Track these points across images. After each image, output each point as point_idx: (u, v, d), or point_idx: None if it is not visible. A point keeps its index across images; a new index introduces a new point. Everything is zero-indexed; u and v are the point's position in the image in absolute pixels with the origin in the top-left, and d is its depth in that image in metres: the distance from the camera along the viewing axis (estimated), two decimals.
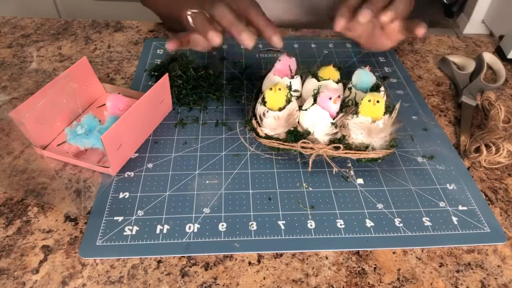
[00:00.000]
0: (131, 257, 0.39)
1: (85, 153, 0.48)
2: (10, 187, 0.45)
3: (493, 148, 0.49)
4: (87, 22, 0.75)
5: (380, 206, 0.44)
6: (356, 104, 0.46)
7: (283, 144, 0.48)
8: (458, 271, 0.39)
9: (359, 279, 0.38)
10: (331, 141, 0.47)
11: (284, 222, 0.42)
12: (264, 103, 0.48)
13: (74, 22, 0.75)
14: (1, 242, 0.40)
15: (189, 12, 0.52)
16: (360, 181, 0.47)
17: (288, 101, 0.47)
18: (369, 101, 0.45)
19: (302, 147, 0.47)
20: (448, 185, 0.47)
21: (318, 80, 0.51)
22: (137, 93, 0.55)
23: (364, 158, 0.47)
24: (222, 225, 0.42)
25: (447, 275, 0.39)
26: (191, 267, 0.39)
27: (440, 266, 0.40)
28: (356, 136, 0.46)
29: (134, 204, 0.43)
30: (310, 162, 0.47)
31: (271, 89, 0.47)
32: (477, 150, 0.50)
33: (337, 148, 0.46)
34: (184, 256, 0.39)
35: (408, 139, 0.53)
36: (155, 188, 0.45)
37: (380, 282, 0.38)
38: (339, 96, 0.46)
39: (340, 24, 0.49)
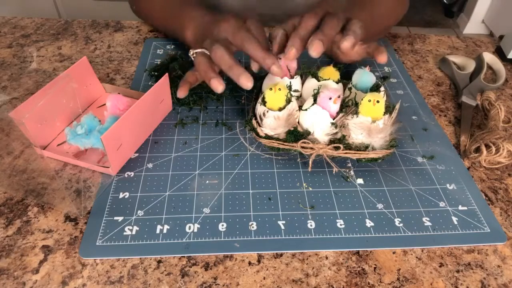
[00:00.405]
0: (131, 257, 0.39)
1: (85, 153, 0.48)
2: (10, 187, 0.45)
3: (493, 148, 0.49)
4: (87, 22, 0.75)
5: (380, 206, 0.44)
6: (356, 104, 0.46)
7: (283, 144, 0.48)
8: (458, 271, 0.39)
9: (359, 279, 0.38)
10: (331, 141, 0.47)
11: (284, 222, 0.42)
12: (264, 103, 0.48)
13: (74, 22, 0.75)
14: (1, 242, 0.40)
15: (191, 53, 0.52)
16: (360, 181, 0.47)
17: (288, 101, 0.47)
18: (369, 101, 0.45)
19: (302, 147, 0.46)
20: (448, 185, 0.47)
21: (318, 80, 0.51)
22: (137, 93, 0.55)
23: (364, 158, 0.47)
24: (222, 225, 0.42)
25: (447, 275, 0.39)
26: (191, 267, 0.39)
27: (440, 266, 0.40)
28: (356, 136, 0.46)
29: (134, 204, 0.43)
30: (310, 162, 0.47)
31: (271, 89, 0.47)
32: (477, 150, 0.50)
33: (337, 148, 0.46)
34: (184, 256, 0.39)
35: (408, 139, 0.53)
36: (155, 188, 0.45)
37: (380, 282, 0.38)
38: (339, 96, 0.46)
39: (291, 55, 0.46)
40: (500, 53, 0.70)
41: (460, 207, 0.45)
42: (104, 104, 0.53)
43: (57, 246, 0.40)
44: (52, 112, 0.48)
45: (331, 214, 0.43)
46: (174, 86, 0.55)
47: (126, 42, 0.70)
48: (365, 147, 0.46)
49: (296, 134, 0.47)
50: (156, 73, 0.61)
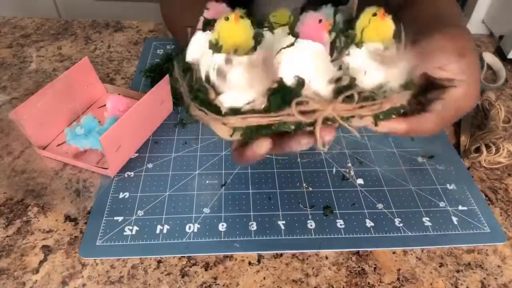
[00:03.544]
0: (131, 257, 0.39)
1: (85, 154, 0.48)
2: (10, 187, 0.45)
3: (493, 148, 0.49)
4: (87, 22, 0.75)
5: (380, 206, 0.44)
6: (348, 30, 0.30)
7: (268, 117, 0.27)
8: (458, 271, 0.39)
9: (359, 279, 0.38)
10: (337, 92, 0.28)
11: (284, 222, 0.42)
12: (217, 46, 0.27)
13: (74, 22, 0.75)
14: (1, 242, 0.40)
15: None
16: (360, 181, 0.47)
17: (258, 39, 0.28)
18: (375, 15, 0.29)
19: (301, 112, 0.27)
20: (448, 185, 0.47)
21: (272, 30, 0.31)
22: (138, 93, 0.55)
23: (382, 112, 0.30)
24: (222, 225, 0.42)
25: (447, 275, 0.39)
26: (191, 267, 0.39)
27: (440, 266, 0.40)
28: (370, 73, 0.29)
29: (134, 204, 0.43)
30: (318, 132, 0.28)
31: (227, 18, 0.27)
32: (477, 150, 0.50)
33: (350, 98, 0.28)
34: (184, 256, 0.39)
35: (408, 139, 0.53)
36: (155, 188, 0.45)
37: (380, 282, 0.38)
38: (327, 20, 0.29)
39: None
40: (500, 53, 0.70)
41: (460, 207, 0.45)
42: (105, 105, 0.53)
43: (57, 246, 0.40)
44: (51, 113, 0.48)
45: (331, 214, 0.43)
46: (171, 87, 0.55)
47: (126, 42, 0.70)
48: (382, 91, 0.29)
49: (284, 93, 0.27)
50: (151, 74, 0.60)
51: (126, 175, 0.47)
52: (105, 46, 0.69)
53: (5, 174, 0.46)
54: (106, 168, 0.45)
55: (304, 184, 0.46)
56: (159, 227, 0.41)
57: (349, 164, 0.49)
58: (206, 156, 0.49)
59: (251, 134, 0.28)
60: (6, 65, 0.63)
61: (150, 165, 0.48)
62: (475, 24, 0.79)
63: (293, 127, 0.29)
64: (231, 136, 0.28)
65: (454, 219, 0.43)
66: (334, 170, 0.48)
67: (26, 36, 0.70)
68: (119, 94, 0.54)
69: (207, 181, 0.46)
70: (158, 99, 0.51)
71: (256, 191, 0.45)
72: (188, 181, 0.46)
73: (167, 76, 0.51)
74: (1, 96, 0.57)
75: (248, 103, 0.27)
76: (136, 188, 0.45)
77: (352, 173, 0.48)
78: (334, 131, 0.30)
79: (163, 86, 0.50)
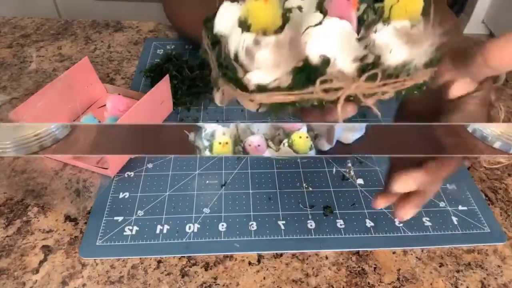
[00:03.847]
0: (131, 257, 0.39)
1: None
2: (10, 187, 0.45)
3: None
4: (87, 22, 0.75)
5: None
6: (375, 8, 0.30)
7: (293, 95, 0.28)
8: (458, 271, 0.39)
9: (359, 279, 0.38)
10: (361, 70, 0.29)
11: (284, 222, 0.42)
12: (246, 25, 0.28)
13: (74, 22, 0.75)
14: (1, 242, 0.40)
15: None
16: (360, 181, 0.47)
17: (286, 19, 0.28)
18: None
19: (324, 90, 0.28)
20: (448, 185, 0.47)
21: None
22: (138, 93, 0.55)
23: (404, 89, 0.31)
24: (222, 225, 0.42)
25: (447, 275, 0.39)
26: (191, 267, 0.39)
27: (440, 266, 0.40)
28: (396, 51, 0.29)
29: (134, 204, 0.43)
30: (339, 110, 0.29)
31: None
32: None
33: (374, 77, 0.29)
34: (184, 256, 0.39)
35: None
36: (155, 188, 0.45)
37: (380, 282, 0.38)
38: None
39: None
40: None
41: (460, 207, 0.45)
42: (105, 105, 0.53)
43: (57, 246, 0.40)
44: (51, 113, 0.48)
45: (331, 214, 0.43)
46: (171, 87, 0.55)
47: (126, 42, 0.70)
48: (406, 69, 0.30)
49: (309, 71, 0.28)
50: (151, 74, 0.60)
51: (126, 175, 0.47)
52: (105, 46, 0.69)
53: (5, 174, 0.46)
54: (106, 168, 0.45)
55: (304, 184, 0.46)
56: (159, 227, 0.41)
57: (349, 164, 0.49)
58: (206, 156, 0.49)
59: (276, 108, 0.30)
60: (6, 65, 0.63)
61: (150, 165, 0.48)
62: (475, 24, 0.79)
63: (315, 103, 0.29)
64: (257, 110, 0.30)
65: (454, 219, 0.43)
66: (334, 170, 0.48)
67: (26, 36, 0.70)
68: (119, 94, 0.54)
69: (207, 181, 0.46)
70: (158, 99, 0.51)
71: (256, 191, 0.45)
72: (188, 181, 0.46)
73: (167, 76, 0.51)
74: (1, 96, 0.57)
75: (274, 80, 0.28)
76: (136, 188, 0.45)
77: (352, 173, 0.48)
78: (356, 107, 0.30)
79: (163, 86, 0.50)
